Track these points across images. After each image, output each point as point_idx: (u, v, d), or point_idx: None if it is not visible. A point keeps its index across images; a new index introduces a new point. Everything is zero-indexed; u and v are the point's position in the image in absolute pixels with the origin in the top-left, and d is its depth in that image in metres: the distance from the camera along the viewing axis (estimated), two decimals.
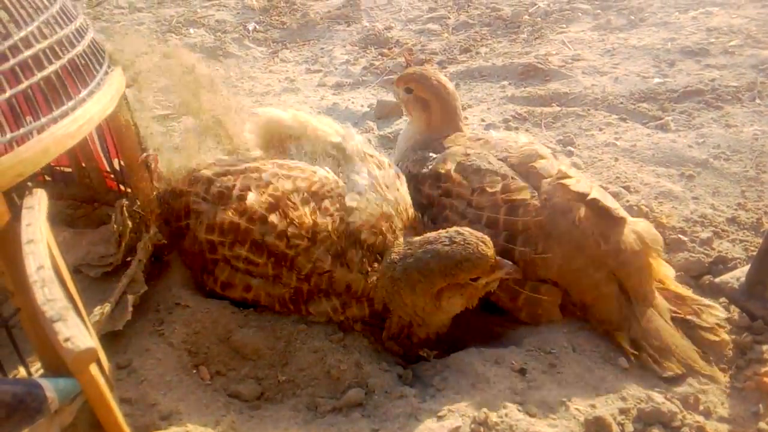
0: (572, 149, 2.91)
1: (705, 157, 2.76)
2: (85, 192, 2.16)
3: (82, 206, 2.19)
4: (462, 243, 1.61)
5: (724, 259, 2.14)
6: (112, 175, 2.10)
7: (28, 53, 1.22)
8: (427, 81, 2.27)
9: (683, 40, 4.01)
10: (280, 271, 1.71)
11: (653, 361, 1.73)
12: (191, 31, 4.69)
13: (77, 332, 0.85)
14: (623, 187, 2.51)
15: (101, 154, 2.08)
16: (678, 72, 3.63)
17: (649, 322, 1.79)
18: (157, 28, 4.70)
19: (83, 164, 2.11)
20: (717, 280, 2.05)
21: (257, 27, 4.81)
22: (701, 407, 1.61)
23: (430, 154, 2.11)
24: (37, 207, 1.15)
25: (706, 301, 1.92)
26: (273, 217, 1.71)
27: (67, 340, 0.84)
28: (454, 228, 1.67)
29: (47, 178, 2.17)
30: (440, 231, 1.68)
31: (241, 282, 1.75)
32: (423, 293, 1.66)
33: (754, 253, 2.03)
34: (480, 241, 1.63)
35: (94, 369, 0.94)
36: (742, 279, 1.99)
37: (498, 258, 1.67)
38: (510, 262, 1.70)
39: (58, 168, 2.17)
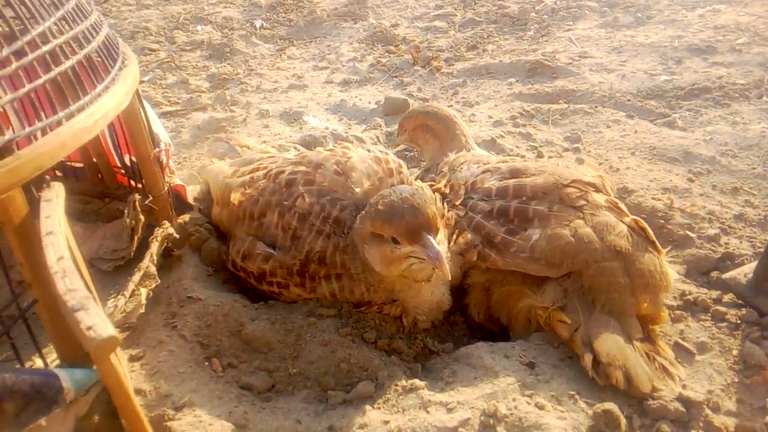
0: (579, 146, 2.92)
1: (712, 154, 2.76)
2: (95, 187, 2.18)
3: (92, 201, 2.21)
4: (398, 199, 1.59)
5: (732, 255, 2.15)
6: (123, 171, 2.12)
7: (45, 49, 1.24)
8: (413, 113, 2.55)
9: (690, 37, 4.02)
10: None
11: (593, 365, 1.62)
12: (198, 28, 4.71)
13: (99, 321, 0.87)
14: (630, 184, 2.51)
15: (112, 150, 2.10)
16: (685, 69, 3.63)
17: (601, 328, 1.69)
18: (164, 25, 4.72)
19: (94, 159, 2.13)
20: (724, 276, 2.05)
21: (264, 24, 4.82)
22: (709, 402, 1.62)
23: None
24: (56, 200, 1.17)
25: (675, 362, 1.71)
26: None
27: (89, 328, 0.85)
28: (409, 188, 1.66)
29: (58, 173, 2.19)
30: (399, 186, 1.71)
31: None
32: (357, 232, 1.71)
33: (762, 250, 2.04)
34: (411, 205, 1.57)
35: (114, 358, 0.96)
36: (750, 275, 1.99)
37: (428, 238, 1.55)
38: (438, 251, 1.53)
39: (69, 163, 2.19)
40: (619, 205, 1.91)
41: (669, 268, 1.85)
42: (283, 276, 1.81)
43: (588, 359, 1.62)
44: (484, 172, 2.05)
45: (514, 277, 1.84)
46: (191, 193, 2.27)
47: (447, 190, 2.08)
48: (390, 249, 1.62)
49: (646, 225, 1.87)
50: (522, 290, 1.83)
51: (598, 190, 1.93)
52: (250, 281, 1.90)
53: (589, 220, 1.82)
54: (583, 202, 1.86)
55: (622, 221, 1.84)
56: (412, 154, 2.98)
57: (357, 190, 1.84)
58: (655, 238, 1.86)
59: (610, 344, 1.65)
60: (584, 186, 1.91)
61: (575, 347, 1.69)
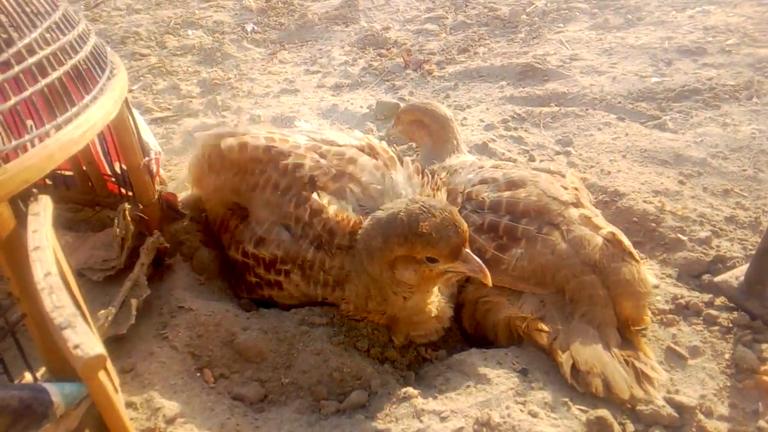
0: (571, 149, 2.92)
1: (703, 156, 2.77)
2: (86, 195, 2.17)
3: (83, 210, 2.20)
4: (433, 218, 1.56)
5: (723, 258, 2.16)
6: (113, 179, 2.10)
7: (31, 60, 1.23)
8: (412, 107, 2.61)
9: (680, 39, 4.03)
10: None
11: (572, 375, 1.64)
12: (189, 32, 4.69)
13: (86, 339, 0.86)
14: (622, 187, 2.52)
15: (102, 158, 2.09)
16: (675, 71, 3.64)
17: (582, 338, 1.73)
18: (155, 30, 4.69)
19: (84, 168, 2.12)
20: (716, 279, 2.06)
21: (255, 28, 4.81)
22: (702, 407, 1.62)
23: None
24: (43, 213, 1.16)
25: (656, 366, 1.72)
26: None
27: (76, 347, 0.85)
28: (441, 204, 1.64)
29: (48, 181, 2.17)
30: (423, 199, 1.65)
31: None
32: (379, 257, 1.64)
33: (753, 252, 2.04)
34: (452, 224, 1.57)
35: (102, 375, 0.95)
36: (741, 278, 2.00)
37: (467, 252, 1.60)
38: (480, 262, 1.59)
39: (59, 172, 2.17)
40: (593, 219, 1.92)
41: (648, 274, 1.88)
42: (290, 263, 1.81)
43: (567, 367, 1.64)
44: (481, 181, 2.06)
45: (491, 290, 1.83)
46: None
47: (445, 197, 2.08)
48: (429, 268, 1.63)
49: (622, 237, 1.89)
50: (501, 302, 1.85)
51: (575, 206, 1.95)
52: (258, 270, 1.86)
53: (565, 235, 1.86)
54: (560, 219, 1.89)
55: (597, 234, 1.86)
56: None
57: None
58: (631, 248, 1.88)
59: (588, 352, 1.67)
60: (561, 204, 1.93)
61: (555, 355, 1.70)
